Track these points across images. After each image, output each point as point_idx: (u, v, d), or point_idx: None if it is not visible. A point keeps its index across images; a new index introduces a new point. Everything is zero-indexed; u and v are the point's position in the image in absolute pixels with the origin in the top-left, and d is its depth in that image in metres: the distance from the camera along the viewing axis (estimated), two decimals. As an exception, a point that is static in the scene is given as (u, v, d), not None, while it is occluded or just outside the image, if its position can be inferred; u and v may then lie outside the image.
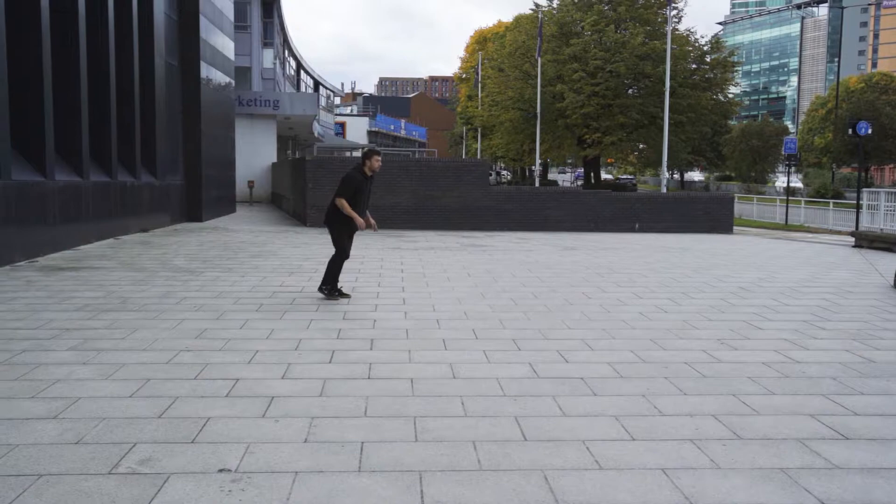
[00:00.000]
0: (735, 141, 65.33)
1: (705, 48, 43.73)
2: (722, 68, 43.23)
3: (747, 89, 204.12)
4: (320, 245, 15.87)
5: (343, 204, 8.81)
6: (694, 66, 43.39)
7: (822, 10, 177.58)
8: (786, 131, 68.45)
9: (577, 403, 5.03)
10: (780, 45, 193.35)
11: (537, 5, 47.61)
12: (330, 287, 9.17)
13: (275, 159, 35.48)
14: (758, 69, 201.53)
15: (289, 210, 26.60)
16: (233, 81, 27.47)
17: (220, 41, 25.42)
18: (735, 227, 25.42)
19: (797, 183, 56.23)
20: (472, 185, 22.63)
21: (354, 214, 8.84)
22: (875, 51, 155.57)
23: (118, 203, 17.03)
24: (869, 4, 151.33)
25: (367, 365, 5.99)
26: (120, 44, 17.33)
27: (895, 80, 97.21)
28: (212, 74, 24.04)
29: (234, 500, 3.42)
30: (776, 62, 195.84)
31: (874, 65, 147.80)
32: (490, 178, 77.73)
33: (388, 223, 21.00)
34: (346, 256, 9.14)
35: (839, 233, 25.64)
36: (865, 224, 20.89)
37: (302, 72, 59.39)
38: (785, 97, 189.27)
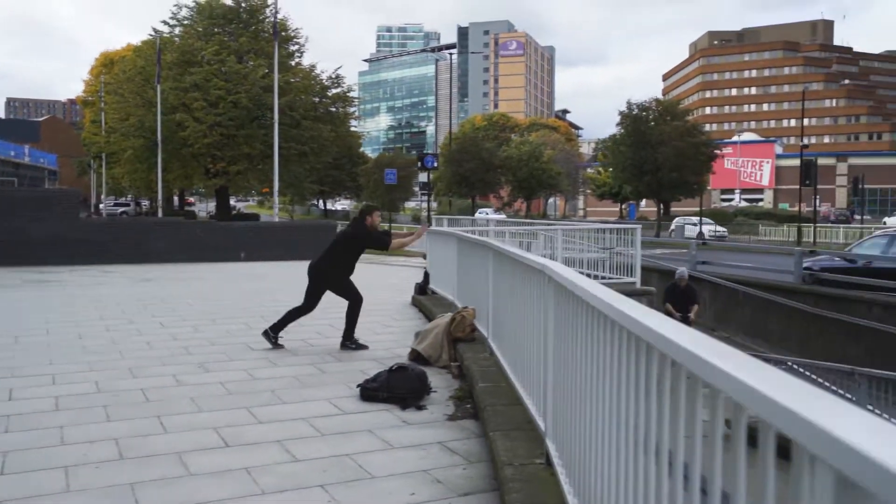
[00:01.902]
0: (370, 171, 68.74)
1: (327, 83, 45.42)
2: (343, 102, 45.25)
3: (393, 124, 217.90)
4: None
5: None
6: (317, 99, 44.81)
7: (454, 54, 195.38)
8: (414, 162, 72.84)
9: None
10: (420, 83, 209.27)
11: (156, 31, 45.88)
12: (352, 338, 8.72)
13: None
14: (401, 105, 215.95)
15: None
16: None
17: None
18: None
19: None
20: (62, 216, 20.75)
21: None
22: (496, 93, 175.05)
23: None
24: (485, 55, 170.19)
25: None
26: None
27: (511, 120, 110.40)
28: None
29: None
30: (416, 99, 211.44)
31: (496, 105, 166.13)
32: (128, 208, 73.13)
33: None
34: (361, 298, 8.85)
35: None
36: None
37: None
38: (425, 132, 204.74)
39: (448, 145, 68.72)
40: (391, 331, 9.86)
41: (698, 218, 42.81)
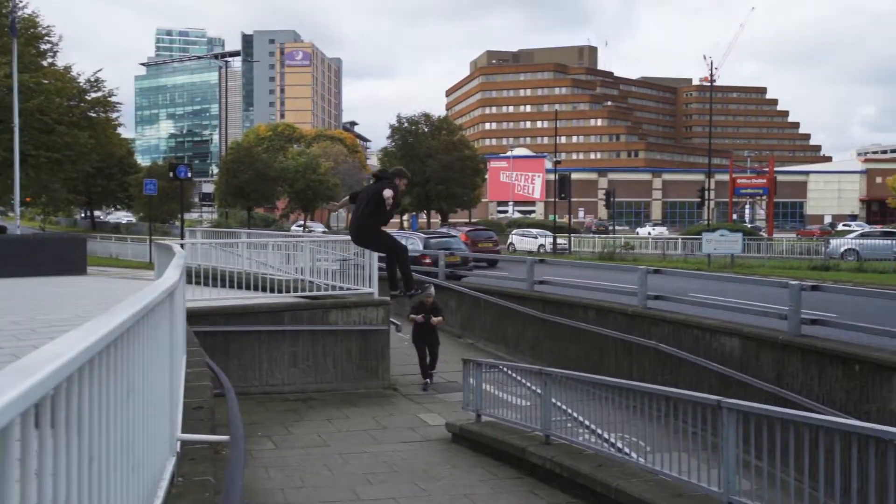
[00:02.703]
0: (142, 181, 64.89)
1: (85, 86, 42.32)
2: (103, 107, 42.35)
3: (174, 131, 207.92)
4: None
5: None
6: (73, 103, 41.61)
7: (239, 62, 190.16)
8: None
9: None
10: (202, 91, 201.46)
11: None
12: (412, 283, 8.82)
13: None
14: (182, 112, 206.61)
15: None
16: None
17: None
18: (98, 268, 24.68)
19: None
20: None
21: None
22: (283, 103, 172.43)
23: None
24: (271, 65, 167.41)
25: None
26: None
27: (297, 130, 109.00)
28: None
29: None
30: (199, 107, 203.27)
31: (283, 115, 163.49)
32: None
33: None
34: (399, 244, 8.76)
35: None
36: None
37: None
38: (210, 140, 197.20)
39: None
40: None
41: (536, 230, 43.78)
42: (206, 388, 6.38)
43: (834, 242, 32.75)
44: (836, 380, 9.46)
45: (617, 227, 70.79)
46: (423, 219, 72.88)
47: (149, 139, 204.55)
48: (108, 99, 43.13)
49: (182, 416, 5.06)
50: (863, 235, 32.95)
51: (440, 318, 14.05)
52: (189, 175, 23.51)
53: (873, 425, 5.19)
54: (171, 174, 23.27)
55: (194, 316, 12.20)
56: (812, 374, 9.86)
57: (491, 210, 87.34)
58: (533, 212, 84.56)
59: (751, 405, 5.90)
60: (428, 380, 13.80)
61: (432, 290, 14.12)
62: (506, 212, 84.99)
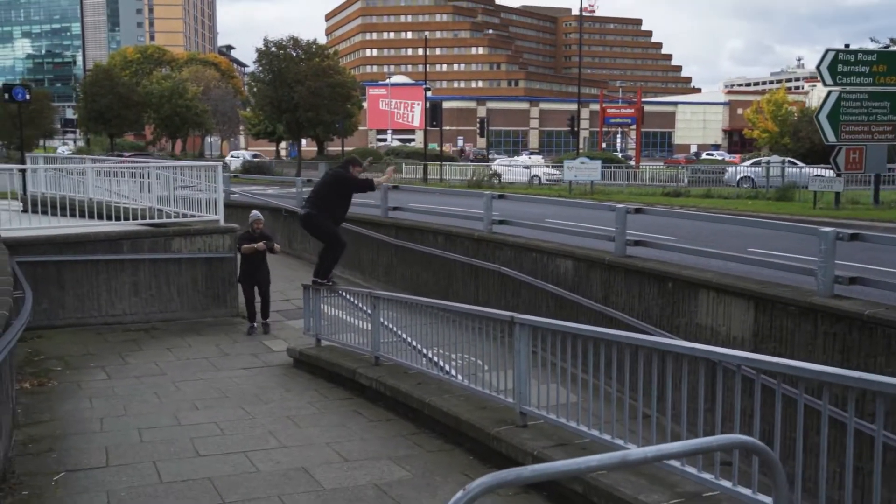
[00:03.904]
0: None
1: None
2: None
3: (32, 52, 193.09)
4: None
5: None
6: None
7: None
8: (48, 97, 65.41)
9: None
10: (61, 7, 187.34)
11: None
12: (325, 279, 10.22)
13: None
14: (39, 31, 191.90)
15: None
16: None
17: None
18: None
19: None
20: None
21: None
22: (152, 24, 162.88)
23: None
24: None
25: None
26: None
27: (167, 53, 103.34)
28: None
29: None
30: (58, 25, 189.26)
31: (152, 38, 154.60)
32: None
33: None
34: (344, 243, 10.29)
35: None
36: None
37: None
38: (73, 62, 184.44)
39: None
40: None
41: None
42: (-1, 317, 6.13)
43: (730, 170, 34.16)
44: (653, 297, 10.04)
45: (495, 156, 71.63)
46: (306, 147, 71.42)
47: (2, 59, 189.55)
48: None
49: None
50: (755, 164, 34.26)
51: (278, 246, 13.21)
52: (27, 97, 21.83)
53: (617, 332, 5.58)
54: (5, 96, 21.52)
55: (20, 246, 11.68)
56: (633, 293, 10.42)
57: (370, 138, 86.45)
58: (412, 140, 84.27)
59: (539, 319, 6.20)
60: (254, 323, 12.64)
61: (257, 213, 13.11)
62: (385, 140, 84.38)
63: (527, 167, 41.24)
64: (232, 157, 56.54)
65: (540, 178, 39.23)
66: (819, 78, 23.36)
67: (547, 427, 6.05)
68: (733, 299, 8.88)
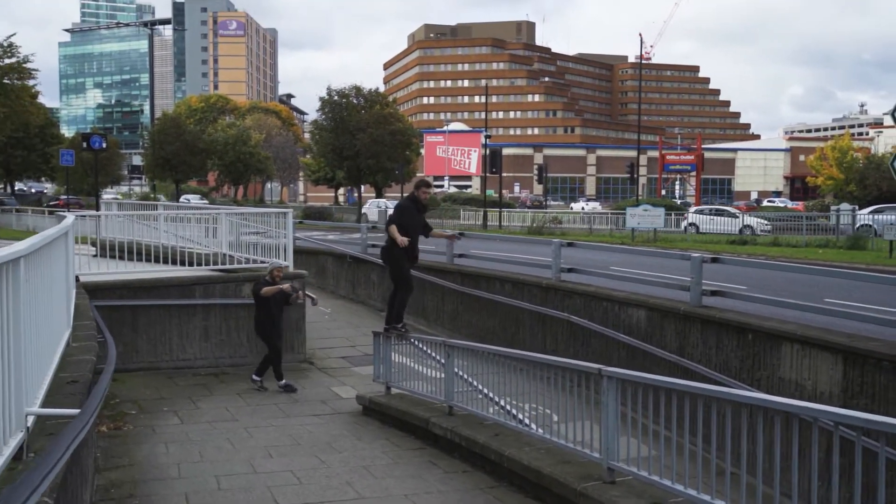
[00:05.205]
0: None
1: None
2: (17, 74, 40.59)
3: (102, 101, 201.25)
4: None
5: (392, 229, 9.11)
6: (-14, 70, 39.76)
7: (169, 30, 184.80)
8: (117, 145, 67.34)
9: None
10: (131, 59, 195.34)
11: None
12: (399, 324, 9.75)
13: None
14: (110, 82, 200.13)
15: None
16: None
17: None
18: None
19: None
20: None
21: (397, 235, 9.03)
22: (216, 74, 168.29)
23: None
24: (203, 34, 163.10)
25: None
26: None
27: (231, 102, 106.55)
28: None
29: None
30: (128, 76, 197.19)
31: (216, 87, 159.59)
32: None
33: None
34: (411, 288, 9.84)
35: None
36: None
37: None
38: (140, 111, 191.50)
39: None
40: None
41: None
42: (87, 363, 6.21)
43: (843, 218, 31.60)
44: (732, 349, 9.75)
45: (552, 202, 71.46)
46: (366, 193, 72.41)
47: (75, 109, 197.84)
48: (23, 65, 41.40)
49: (47, 389, 4.94)
50: (876, 211, 32.23)
51: (301, 293, 12.55)
52: (104, 145, 22.65)
53: (717, 388, 5.37)
54: (84, 144, 22.36)
55: (98, 290, 11.91)
56: (710, 344, 10.13)
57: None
58: (469, 186, 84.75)
59: (629, 373, 6.03)
60: (259, 377, 11.84)
61: (278, 262, 12.50)
62: (442, 186, 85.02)
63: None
64: (372, 205, 49.09)
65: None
66: (893, 123, 22.77)
67: (636, 484, 5.84)
68: (819, 352, 8.56)
